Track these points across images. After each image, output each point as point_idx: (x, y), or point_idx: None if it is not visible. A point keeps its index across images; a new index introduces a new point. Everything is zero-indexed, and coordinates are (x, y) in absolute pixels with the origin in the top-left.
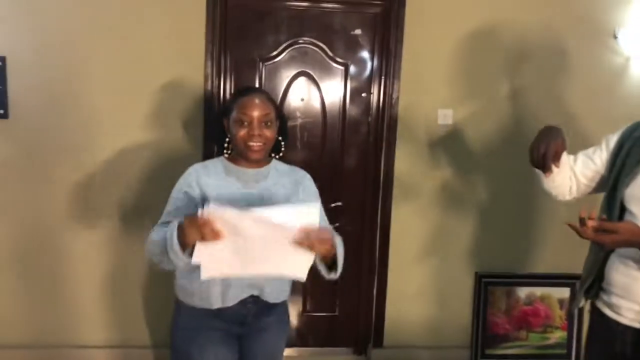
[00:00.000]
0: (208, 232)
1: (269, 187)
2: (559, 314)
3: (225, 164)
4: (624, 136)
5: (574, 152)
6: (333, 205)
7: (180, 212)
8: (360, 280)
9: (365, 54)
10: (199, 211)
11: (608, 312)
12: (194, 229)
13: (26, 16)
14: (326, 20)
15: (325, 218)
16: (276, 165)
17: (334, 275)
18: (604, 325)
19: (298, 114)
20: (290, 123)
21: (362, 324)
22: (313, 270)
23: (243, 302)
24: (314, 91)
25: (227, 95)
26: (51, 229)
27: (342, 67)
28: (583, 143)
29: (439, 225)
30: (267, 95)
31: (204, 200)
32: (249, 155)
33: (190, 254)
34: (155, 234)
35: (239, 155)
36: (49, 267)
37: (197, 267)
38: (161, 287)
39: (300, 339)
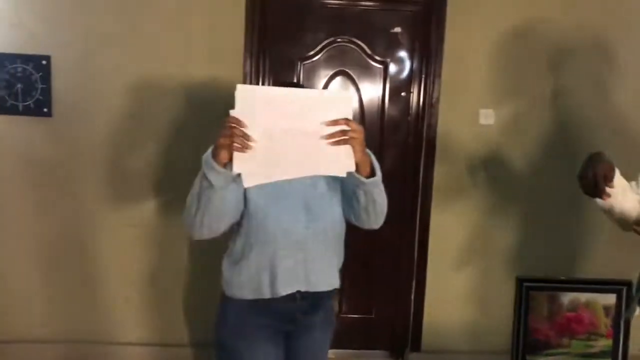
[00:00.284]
0: (239, 134)
1: (305, 181)
2: (604, 322)
3: None
4: None
5: (625, 157)
6: None
7: None
8: (398, 282)
9: (405, 53)
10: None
11: None
12: (225, 134)
13: (70, 16)
14: (365, 19)
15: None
16: None
17: (372, 180)
18: None
19: None
20: None
21: (399, 327)
22: (348, 271)
23: (292, 298)
24: (352, 90)
25: None
26: (91, 227)
27: (381, 66)
28: (633, 144)
29: (479, 228)
30: None
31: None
32: None
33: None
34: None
35: None
36: (88, 264)
37: (243, 258)
38: (201, 285)
39: (335, 340)
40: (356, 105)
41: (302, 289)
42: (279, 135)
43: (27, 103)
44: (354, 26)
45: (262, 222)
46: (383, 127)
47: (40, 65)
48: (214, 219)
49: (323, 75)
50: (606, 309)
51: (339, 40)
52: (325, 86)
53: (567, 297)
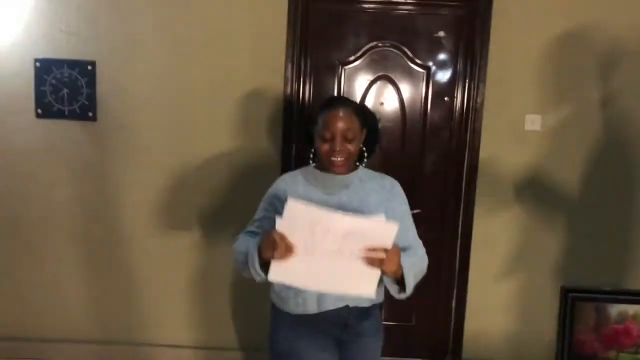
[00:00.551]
0: (282, 248)
1: (356, 193)
2: None
3: (311, 172)
4: None
5: None
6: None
7: (265, 223)
8: (439, 290)
9: (448, 57)
10: (277, 221)
11: None
12: (269, 245)
13: (115, 22)
14: (408, 23)
15: (412, 225)
16: (362, 172)
17: (403, 295)
18: None
19: (377, 118)
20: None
21: (439, 335)
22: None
23: (341, 309)
24: (394, 95)
25: (307, 100)
26: (134, 231)
27: (423, 70)
28: None
29: (524, 236)
30: (354, 107)
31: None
32: (332, 169)
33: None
34: (240, 244)
35: (323, 166)
36: (131, 266)
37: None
38: (249, 290)
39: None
40: (398, 112)
41: (351, 305)
42: (319, 252)
43: (73, 107)
44: (395, 30)
45: None
46: (425, 132)
47: (85, 70)
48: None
49: (364, 79)
50: None
51: (380, 44)
52: (367, 90)
53: (614, 309)
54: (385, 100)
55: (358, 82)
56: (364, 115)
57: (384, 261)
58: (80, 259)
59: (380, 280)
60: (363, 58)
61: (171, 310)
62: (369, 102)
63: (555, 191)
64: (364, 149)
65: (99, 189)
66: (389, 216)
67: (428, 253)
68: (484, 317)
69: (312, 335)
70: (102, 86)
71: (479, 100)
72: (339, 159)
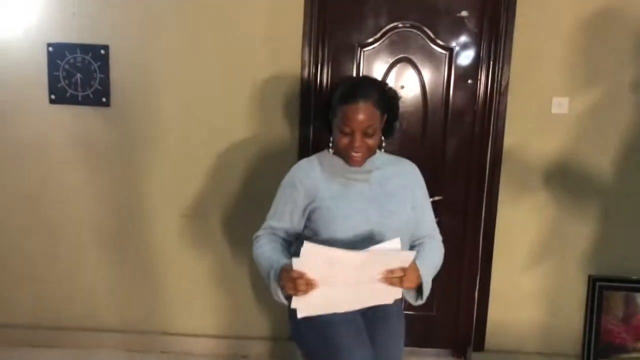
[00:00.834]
0: (302, 285)
1: (376, 180)
2: None
3: (329, 159)
4: None
5: None
6: (432, 200)
7: (285, 218)
8: (461, 279)
9: (471, 38)
10: (293, 261)
11: None
12: (289, 283)
13: (129, 5)
14: (429, 2)
15: (431, 210)
16: (381, 158)
17: (420, 302)
18: None
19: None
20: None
21: (461, 325)
22: None
23: None
24: (415, 78)
25: (325, 84)
26: (152, 217)
27: (446, 52)
28: None
29: (550, 223)
30: (375, 97)
31: (306, 205)
32: (350, 163)
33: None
34: (261, 255)
35: (341, 157)
36: (148, 252)
37: None
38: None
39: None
40: (419, 95)
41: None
42: (339, 283)
43: (86, 93)
44: (416, 10)
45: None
46: (447, 116)
47: (98, 54)
48: None
49: (384, 62)
50: None
51: (400, 25)
52: (387, 73)
53: None
54: (405, 83)
55: (377, 65)
56: (384, 103)
57: (404, 279)
58: (98, 247)
59: None
60: (382, 40)
61: (193, 298)
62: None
63: (584, 177)
64: (383, 137)
65: (115, 175)
66: (410, 201)
67: (450, 241)
68: (508, 307)
69: (339, 315)
70: (116, 71)
71: (503, 82)
72: (358, 154)
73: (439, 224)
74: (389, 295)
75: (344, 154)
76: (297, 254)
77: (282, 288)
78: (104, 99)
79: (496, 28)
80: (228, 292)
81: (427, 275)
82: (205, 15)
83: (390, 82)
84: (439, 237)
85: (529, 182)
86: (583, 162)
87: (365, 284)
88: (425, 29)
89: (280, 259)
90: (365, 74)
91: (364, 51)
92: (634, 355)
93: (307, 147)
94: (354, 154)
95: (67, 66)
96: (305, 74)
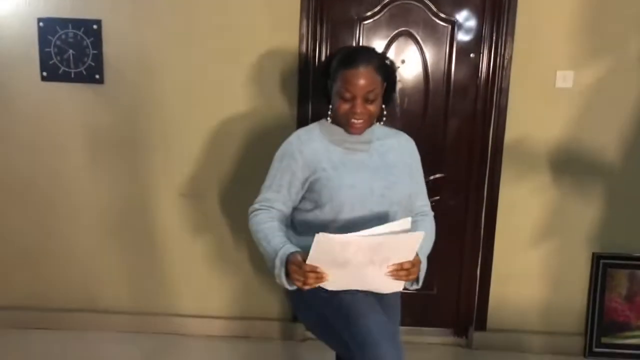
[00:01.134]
0: (312, 278)
1: (376, 150)
2: None
3: (328, 128)
4: None
5: None
6: (433, 177)
7: (281, 189)
8: (463, 257)
9: (474, 10)
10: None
11: None
12: (299, 275)
13: None
14: None
15: (424, 185)
16: (379, 129)
17: (416, 287)
18: None
19: (398, 77)
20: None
21: (463, 304)
22: None
23: None
24: (416, 52)
25: (323, 58)
26: (146, 195)
27: (448, 25)
28: None
29: (553, 200)
30: (375, 63)
31: (306, 176)
32: (350, 130)
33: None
34: (260, 228)
35: (340, 125)
36: (146, 232)
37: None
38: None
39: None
40: (420, 70)
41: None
42: (351, 266)
43: (79, 70)
44: None
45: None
46: (449, 91)
47: (91, 30)
48: None
49: (384, 36)
50: None
51: None
52: (387, 47)
53: None
54: (406, 58)
55: (377, 39)
56: (385, 70)
57: (410, 272)
58: (95, 227)
59: None
60: (383, 12)
61: (193, 279)
62: None
63: (588, 153)
64: (384, 106)
65: (110, 154)
66: (409, 174)
67: (451, 219)
68: (511, 285)
69: None
70: (109, 47)
71: (506, 56)
72: (359, 121)
73: (440, 201)
74: (393, 286)
75: (344, 122)
76: (298, 232)
77: (288, 276)
78: (97, 76)
79: (499, 0)
80: (228, 272)
81: (424, 262)
82: None
83: (391, 56)
84: (431, 213)
85: (532, 159)
86: (588, 138)
87: (374, 270)
88: (427, 1)
89: (284, 243)
90: (365, 46)
91: (363, 24)
92: (637, 332)
93: (305, 123)
94: (355, 121)
95: (58, 42)
96: (304, 48)
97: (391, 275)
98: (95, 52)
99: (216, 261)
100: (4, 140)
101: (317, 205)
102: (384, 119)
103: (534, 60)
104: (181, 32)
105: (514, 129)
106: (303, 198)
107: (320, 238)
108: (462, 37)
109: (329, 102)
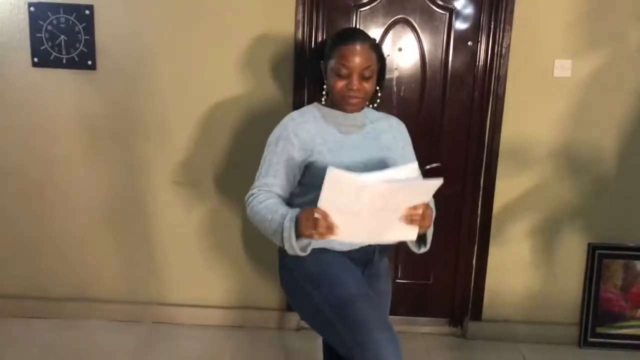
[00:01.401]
0: (322, 227)
1: (370, 132)
2: None
3: (322, 110)
4: None
5: None
6: (429, 167)
7: (278, 174)
8: (459, 248)
9: None
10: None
11: None
12: (310, 224)
13: None
14: None
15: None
16: (369, 112)
17: (424, 249)
18: None
19: (395, 65)
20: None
21: (458, 294)
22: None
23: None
24: (413, 40)
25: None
26: (140, 183)
27: (446, 13)
28: None
29: (549, 190)
30: (371, 42)
31: (303, 159)
32: (346, 108)
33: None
34: (262, 205)
35: (335, 105)
36: (138, 220)
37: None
38: (263, 244)
39: (390, 307)
40: (417, 58)
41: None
42: (365, 212)
43: (71, 56)
44: None
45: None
46: (446, 80)
47: (83, 15)
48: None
49: (381, 23)
50: None
51: None
52: (384, 35)
53: None
54: (403, 45)
55: (374, 26)
56: (379, 50)
57: (425, 215)
58: (87, 215)
59: None
60: None
61: (185, 268)
62: (386, 48)
63: (585, 143)
64: (378, 88)
65: (103, 141)
66: (402, 156)
67: (448, 209)
68: (507, 275)
69: (340, 260)
70: (101, 32)
71: (504, 45)
72: (355, 98)
73: (436, 191)
74: (406, 233)
75: (340, 99)
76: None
77: (298, 236)
78: (89, 62)
79: None
80: (223, 261)
81: (432, 224)
82: None
83: (388, 44)
84: None
85: (529, 149)
86: (585, 127)
87: (387, 216)
88: None
89: (292, 209)
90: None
91: (360, 11)
92: (632, 323)
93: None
94: (351, 98)
95: (50, 27)
96: (300, 34)
97: (405, 220)
98: (87, 37)
99: (211, 250)
100: None
101: (313, 188)
102: (378, 100)
103: (532, 49)
104: (175, 18)
105: (511, 118)
106: (299, 183)
107: (332, 173)
108: (460, 25)
109: (321, 86)
